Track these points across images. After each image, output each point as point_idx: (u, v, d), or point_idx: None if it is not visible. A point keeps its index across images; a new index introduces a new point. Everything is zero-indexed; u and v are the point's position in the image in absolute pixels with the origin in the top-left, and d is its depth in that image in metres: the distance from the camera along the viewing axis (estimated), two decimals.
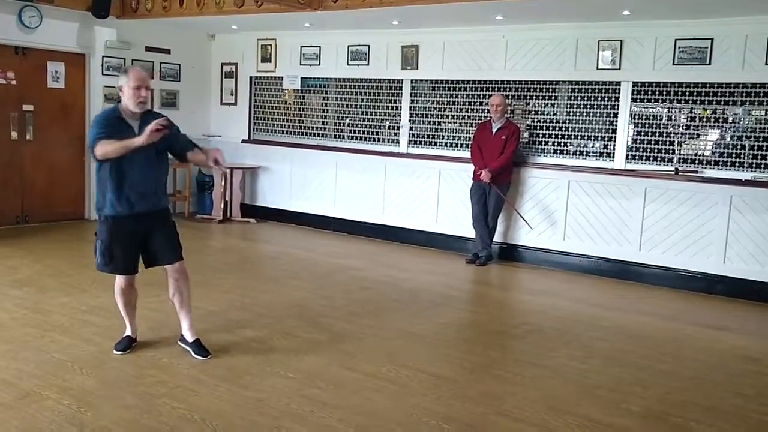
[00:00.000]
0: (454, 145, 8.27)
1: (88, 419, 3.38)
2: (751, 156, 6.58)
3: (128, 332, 4.38)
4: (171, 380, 3.91)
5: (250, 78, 9.94)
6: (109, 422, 3.36)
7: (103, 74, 8.95)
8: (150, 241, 4.18)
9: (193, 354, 4.26)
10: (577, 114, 7.45)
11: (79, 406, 3.52)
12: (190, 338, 4.32)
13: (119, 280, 4.23)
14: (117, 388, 3.77)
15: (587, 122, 7.39)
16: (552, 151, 7.60)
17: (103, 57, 8.92)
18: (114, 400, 3.61)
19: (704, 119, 6.87)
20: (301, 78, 9.38)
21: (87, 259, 6.99)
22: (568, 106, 7.55)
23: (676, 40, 6.73)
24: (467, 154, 7.71)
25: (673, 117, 7.03)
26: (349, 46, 8.82)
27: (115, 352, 4.27)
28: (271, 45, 9.56)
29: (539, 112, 7.74)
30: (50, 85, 8.59)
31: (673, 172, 6.82)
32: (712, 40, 6.57)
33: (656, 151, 7.01)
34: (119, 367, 4.08)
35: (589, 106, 7.36)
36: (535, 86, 7.67)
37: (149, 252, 4.21)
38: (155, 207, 4.17)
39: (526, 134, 7.73)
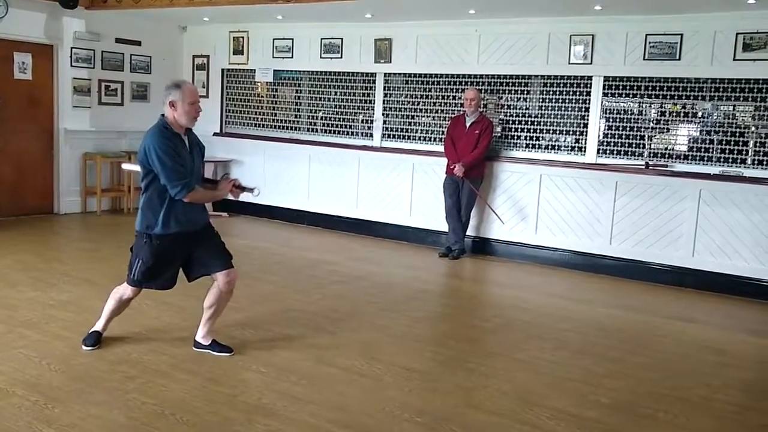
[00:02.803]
0: (427, 138, 8.28)
1: (56, 416, 3.33)
2: (719, 150, 6.68)
3: (98, 327, 4.31)
4: (141, 375, 3.87)
5: (222, 70, 9.85)
6: (77, 419, 3.31)
7: (72, 66, 8.82)
8: (196, 252, 4.15)
9: (215, 354, 4.22)
10: (550, 108, 7.50)
11: (47, 402, 3.47)
12: (206, 342, 4.30)
13: (130, 291, 4.18)
14: (86, 384, 3.72)
15: (559, 116, 7.45)
16: (524, 145, 7.65)
17: (71, 48, 8.79)
18: (83, 396, 3.56)
19: (674, 114, 6.96)
20: (274, 71, 9.32)
21: (56, 254, 6.93)
22: (541, 100, 7.60)
23: (646, 35, 6.80)
24: (441, 148, 7.73)
25: (643, 111, 7.12)
26: (322, 39, 8.78)
27: (84, 347, 4.21)
28: (243, 37, 9.49)
29: (512, 107, 7.78)
30: (17, 77, 8.43)
31: (643, 167, 6.91)
32: (681, 35, 6.65)
33: (627, 145, 7.09)
34: (88, 363, 4.02)
35: (561, 101, 7.42)
36: (507, 80, 7.70)
37: (198, 261, 4.17)
38: (201, 224, 4.17)
39: (499, 128, 7.77)
